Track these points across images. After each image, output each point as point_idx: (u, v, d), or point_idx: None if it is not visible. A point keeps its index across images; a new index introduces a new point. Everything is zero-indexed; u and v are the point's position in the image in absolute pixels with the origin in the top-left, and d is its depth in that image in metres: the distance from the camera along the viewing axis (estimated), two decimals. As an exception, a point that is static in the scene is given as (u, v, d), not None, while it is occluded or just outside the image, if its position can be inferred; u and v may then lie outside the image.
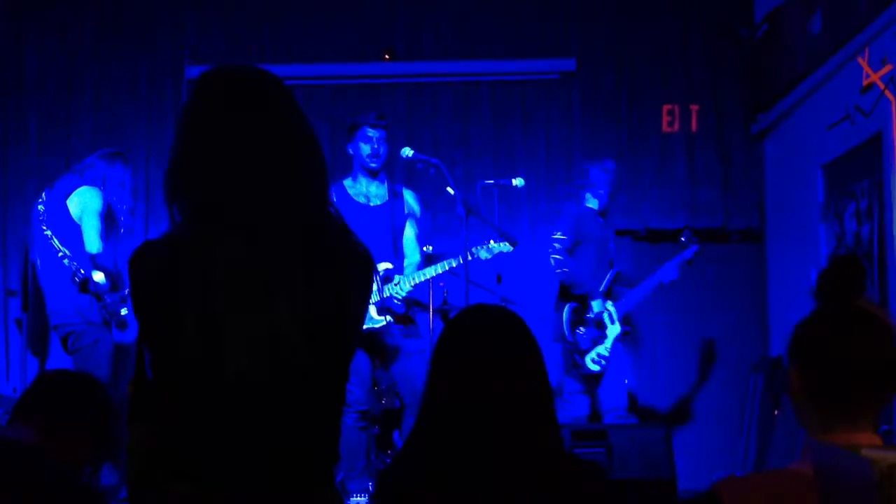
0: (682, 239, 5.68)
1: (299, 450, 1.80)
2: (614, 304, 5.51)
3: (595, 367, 5.47)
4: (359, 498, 4.72)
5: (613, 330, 5.49)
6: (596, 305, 5.48)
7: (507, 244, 4.94)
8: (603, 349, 5.46)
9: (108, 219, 5.15)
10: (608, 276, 5.59)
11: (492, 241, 4.95)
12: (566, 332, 5.47)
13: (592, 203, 5.70)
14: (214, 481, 1.76)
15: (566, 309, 5.49)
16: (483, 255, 4.96)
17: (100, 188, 5.15)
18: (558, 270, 5.48)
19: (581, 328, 5.48)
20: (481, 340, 2.07)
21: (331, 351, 1.82)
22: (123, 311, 5.03)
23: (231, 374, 1.73)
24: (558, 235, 5.51)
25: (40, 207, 5.16)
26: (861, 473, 1.60)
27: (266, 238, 1.79)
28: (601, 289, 5.52)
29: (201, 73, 1.93)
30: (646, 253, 6.78)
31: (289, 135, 1.87)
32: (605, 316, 5.49)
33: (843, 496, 1.66)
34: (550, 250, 5.50)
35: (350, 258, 1.87)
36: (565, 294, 5.54)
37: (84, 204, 5.08)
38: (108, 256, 5.07)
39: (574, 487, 2.01)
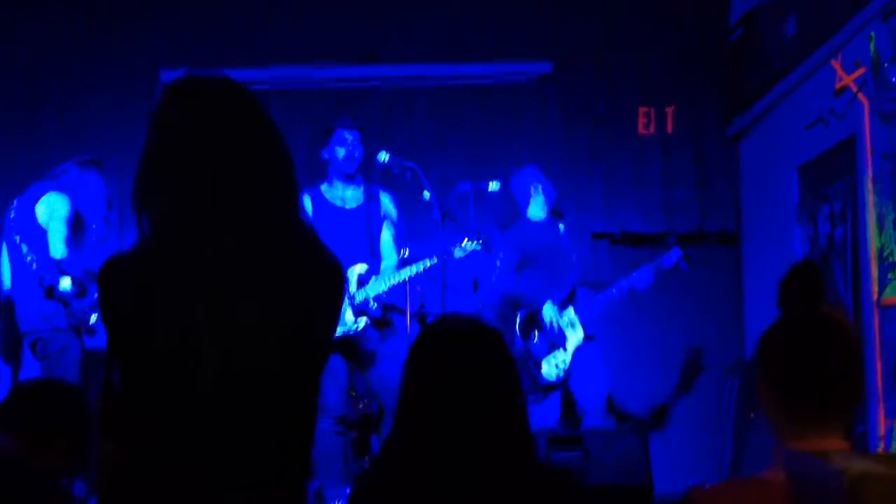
0: (669, 242, 5.61)
1: (271, 459, 1.78)
2: (579, 309, 5.45)
3: (551, 376, 5.40)
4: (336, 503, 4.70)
5: (575, 336, 5.42)
6: (547, 313, 5.41)
7: (479, 243, 4.93)
8: (563, 356, 5.39)
9: (77, 225, 5.11)
10: (569, 282, 5.51)
11: (465, 240, 4.95)
12: (517, 340, 5.43)
13: (536, 213, 5.63)
14: (185, 489, 1.74)
15: (518, 316, 5.46)
16: (457, 253, 4.96)
17: (69, 194, 5.11)
18: (501, 290, 5.46)
19: (533, 336, 5.42)
20: (454, 349, 2.07)
21: (302, 360, 1.81)
22: (92, 319, 4.99)
23: (203, 384, 1.72)
24: (498, 263, 5.48)
25: (11, 214, 5.13)
26: (832, 482, 1.61)
27: (236, 248, 1.78)
28: (561, 297, 5.46)
29: (168, 83, 1.92)
30: (623, 256, 6.78)
31: (257, 144, 1.86)
32: (566, 322, 5.41)
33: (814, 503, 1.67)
34: (493, 277, 5.47)
35: (320, 268, 1.87)
36: (513, 307, 5.51)
37: (51, 209, 5.05)
38: (77, 263, 5.03)
39: (548, 494, 2.00)
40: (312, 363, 1.85)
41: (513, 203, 5.68)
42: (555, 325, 5.37)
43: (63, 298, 4.93)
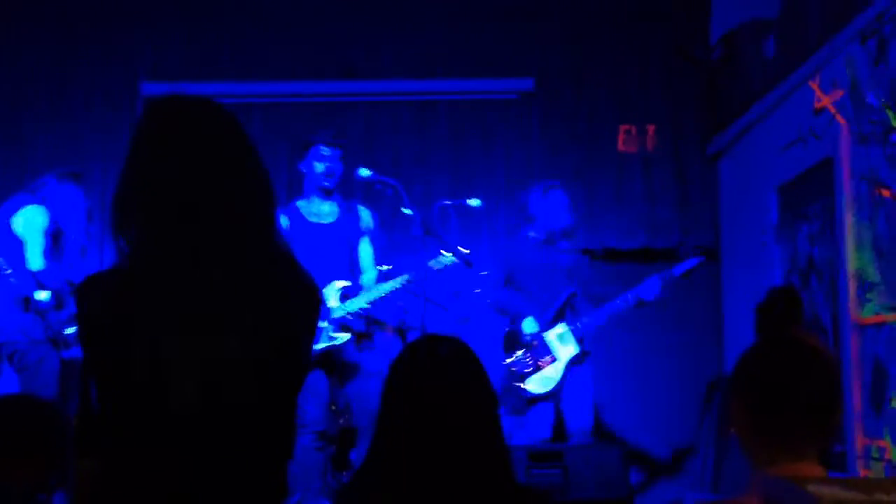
0: (683, 252, 5.55)
1: (246, 482, 1.79)
2: (573, 325, 5.41)
3: (537, 390, 5.33)
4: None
5: (566, 350, 5.37)
6: (528, 327, 5.38)
7: (455, 257, 4.92)
8: (550, 371, 5.32)
9: (55, 237, 5.10)
10: (561, 297, 5.48)
11: (442, 252, 4.95)
12: (503, 353, 5.40)
13: (535, 233, 5.61)
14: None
15: (503, 333, 5.45)
16: (436, 266, 4.95)
17: (48, 207, 5.10)
18: (488, 301, 5.45)
19: (516, 352, 5.38)
20: (431, 370, 2.08)
21: (278, 386, 1.82)
22: (69, 330, 4.98)
23: (176, 408, 1.73)
24: (483, 273, 5.47)
25: None
26: (805, 509, 1.62)
27: (213, 272, 1.79)
28: (550, 312, 5.45)
29: (149, 103, 1.92)
30: (603, 272, 6.80)
31: (237, 169, 1.87)
32: (553, 338, 5.37)
33: (788, 532, 1.68)
34: (477, 289, 5.47)
35: (297, 291, 1.87)
36: (504, 316, 5.50)
37: (28, 221, 5.04)
38: (54, 275, 5.02)
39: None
40: (288, 387, 1.86)
41: (523, 217, 5.66)
42: (538, 341, 5.35)
43: (40, 310, 4.93)
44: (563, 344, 5.36)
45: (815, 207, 5.45)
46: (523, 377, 5.31)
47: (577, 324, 5.38)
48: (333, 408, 5.57)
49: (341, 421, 5.66)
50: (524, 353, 5.32)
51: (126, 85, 6.91)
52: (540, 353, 5.32)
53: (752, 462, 1.90)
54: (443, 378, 2.07)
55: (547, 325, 5.36)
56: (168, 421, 1.73)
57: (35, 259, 4.96)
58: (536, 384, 5.33)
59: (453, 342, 2.17)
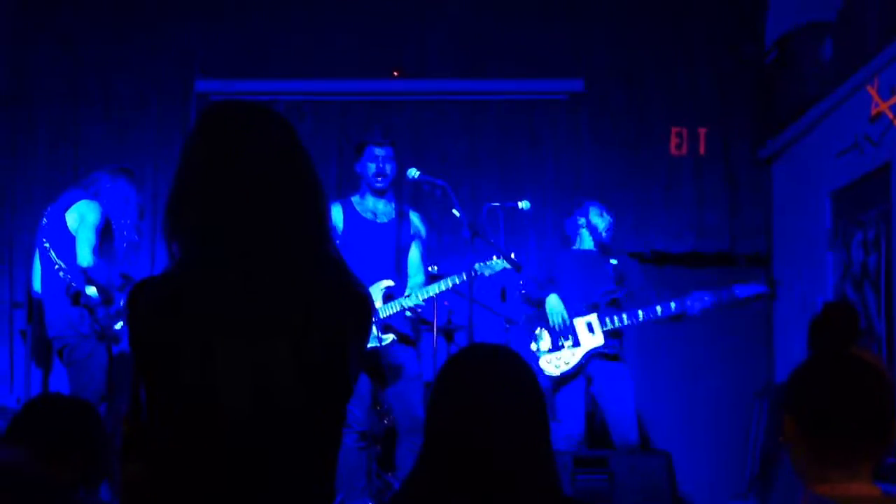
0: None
1: (292, 493, 1.78)
2: (603, 317, 5.28)
3: (549, 371, 5.27)
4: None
5: (590, 341, 5.27)
6: (552, 306, 5.31)
7: (505, 261, 4.89)
8: (568, 356, 5.25)
9: (105, 233, 5.15)
10: (599, 291, 5.38)
11: (494, 258, 4.92)
12: (524, 332, 5.36)
13: (586, 244, 5.57)
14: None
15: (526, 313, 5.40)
16: (486, 271, 4.93)
17: (100, 202, 5.15)
18: (522, 292, 5.42)
19: (540, 332, 5.32)
20: (481, 382, 2.06)
21: (327, 393, 1.81)
22: (118, 326, 5.03)
23: (226, 415, 1.73)
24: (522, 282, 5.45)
25: (43, 220, 5.18)
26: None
27: (265, 279, 1.78)
28: (587, 301, 5.34)
29: (205, 108, 1.92)
30: (650, 276, 6.74)
31: (291, 175, 1.86)
32: (583, 325, 5.26)
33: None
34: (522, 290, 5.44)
35: (348, 299, 1.86)
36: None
37: (80, 217, 5.08)
38: (104, 271, 5.06)
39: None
40: (338, 395, 1.85)
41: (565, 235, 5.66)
42: (559, 320, 5.31)
43: (89, 305, 4.98)
44: (589, 333, 5.28)
45: (871, 214, 5.36)
46: (540, 355, 5.27)
47: (609, 318, 5.29)
48: (377, 408, 5.58)
49: (385, 422, 5.67)
50: (546, 331, 5.28)
51: (180, 82, 6.98)
52: (563, 333, 5.27)
53: (805, 480, 1.87)
54: (492, 389, 2.04)
55: (580, 312, 5.32)
56: (217, 425, 1.73)
57: (85, 254, 5.00)
58: (549, 365, 5.27)
59: (503, 351, 2.14)
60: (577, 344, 5.28)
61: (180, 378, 1.74)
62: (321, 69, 6.98)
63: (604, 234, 5.53)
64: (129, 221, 5.33)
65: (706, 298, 5.16)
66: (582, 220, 5.58)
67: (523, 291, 5.44)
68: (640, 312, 5.25)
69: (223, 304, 1.76)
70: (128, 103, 6.99)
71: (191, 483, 1.75)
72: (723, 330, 6.84)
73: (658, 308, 5.22)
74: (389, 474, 5.51)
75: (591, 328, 5.28)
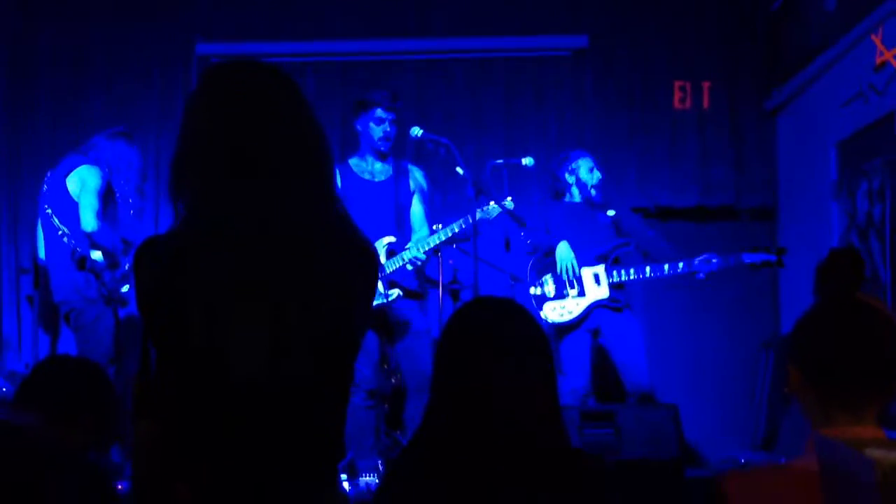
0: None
1: (302, 451, 1.79)
2: (610, 269, 5.27)
3: (551, 318, 5.28)
4: (368, 477, 4.74)
5: (596, 292, 5.27)
6: (562, 254, 5.28)
7: (497, 207, 4.87)
8: (572, 304, 5.25)
9: (107, 197, 5.15)
10: (609, 245, 5.38)
11: (491, 203, 4.91)
12: (528, 277, 5.36)
13: (576, 198, 5.55)
14: (217, 481, 1.76)
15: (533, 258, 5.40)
16: (485, 216, 4.91)
17: (101, 167, 5.14)
18: (528, 241, 5.40)
19: (546, 278, 5.32)
20: (487, 331, 2.06)
21: (335, 350, 1.81)
22: (124, 289, 5.05)
23: (235, 374, 1.73)
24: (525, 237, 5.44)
25: (44, 187, 5.18)
26: (864, 473, 1.59)
27: (268, 235, 1.78)
28: (595, 252, 5.34)
29: (207, 68, 1.91)
30: (656, 231, 6.73)
31: (296, 133, 1.86)
32: (589, 276, 5.26)
33: (848, 494, 1.65)
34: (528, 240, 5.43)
35: (353, 256, 1.86)
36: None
37: (82, 182, 5.08)
38: (108, 235, 5.07)
39: (579, 481, 2.01)
40: (346, 350, 1.85)
41: (556, 184, 5.63)
42: (569, 269, 5.28)
43: (95, 270, 4.99)
44: (595, 284, 5.27)
45: (876, 163, 5.34)
46: (544, 301, 5.26)
47: (616, 272, 5.28)
48: (385, 367, 5.60)
49: (393, 380, 5.69)
50: (552, 278, 5.28)
51: (181, 45, 6.95)
52: (570, 282, 5.27)
53: (811, 423, 1.88)
54: (498, 342, 2.05)
55: (587, 263, 5.32)
56: (224, 383, 1.74)
57: (89, 219, 5.01)
58: (553, 312, 5.27)
59: (509, 304, 2.15)
60: (581, 294, 5.28)
61: (188, 336, 1.74)
62: (323, 30, 6.94)
63: (592, 192, 5.51)
64: (130, 184, 5.33)
65: (714, 262, 5.20)
66: (571, 178, 5.57)
67: (529, 241, 5.42)
68: (647, 268, 5.26)
69: (229, 263, 1.75)
70: (130, 68, 6.96)
71: (201, 442, 1.76)
72: (729, 282, 6.83)
73: (666, 266, 5.24)
74: (398, 432, 5.54)
75: (597, 279, 5.27)
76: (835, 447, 1.74)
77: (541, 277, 5.34)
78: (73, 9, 6.96)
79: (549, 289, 5.31)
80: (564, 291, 5.28)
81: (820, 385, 1.84)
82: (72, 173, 5.10)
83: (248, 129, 1.82)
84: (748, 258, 5.25)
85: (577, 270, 5.28)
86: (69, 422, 2.57)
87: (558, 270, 5.29)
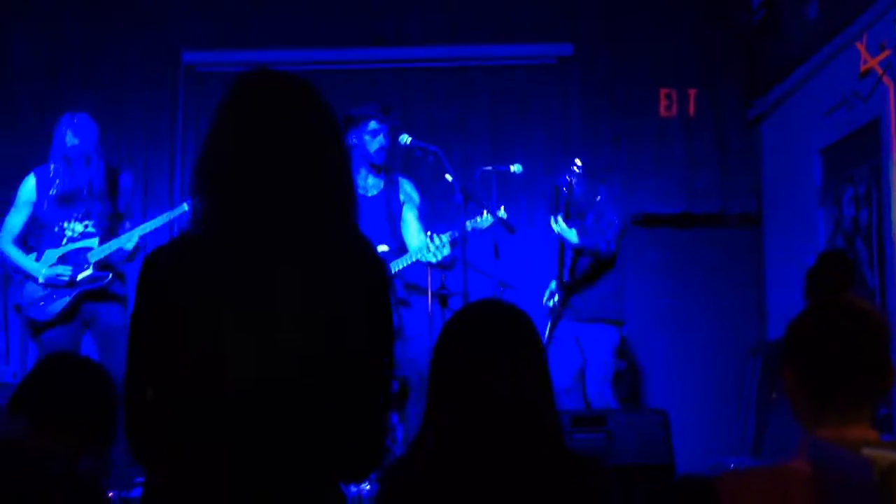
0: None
1: (296, 463, 1.77)
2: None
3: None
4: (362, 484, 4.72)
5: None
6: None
7: (490, 217, 4.90)
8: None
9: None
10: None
11: (484, 212, 4.93)
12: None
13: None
14: (214, 489, 1.75)
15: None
16: (476, 227, 4.93)
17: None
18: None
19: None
20: (486, 336, 2.07)
21: (336, 363, 1.78)
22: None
23: (230, 385, 1.72)
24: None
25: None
26: (861, 472, 1.61)
27: (280, 247, 1.78)
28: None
29: (239, 76, 1.91)
30: (641, 238, 6.76)
31: (320, 146, 1.86)
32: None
33: (843, 495, 1.67)
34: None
35: (364, 269, 1.86)
36: None
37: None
38: None
39: (578, 483, 2.02)
40: (353, 363, 1.80)
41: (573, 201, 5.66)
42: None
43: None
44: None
45: (861, 170, 5.38)
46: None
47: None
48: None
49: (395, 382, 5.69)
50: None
51: (167, 54, 6.94)
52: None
53: (803, 425, 1.89)
54: (496, 344, 2.06)
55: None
56: (220, 394, 1.72)
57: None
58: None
59: (506, 305, 2.16)
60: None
61: (188, 346, 1.73)
62: (305, 38, 6.95)
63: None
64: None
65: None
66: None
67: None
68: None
69: (233, 267, 1.75)
70: (116, 76, 6.95)
71: (195, 449, 1.75)
72: (715, 288, 6.88)
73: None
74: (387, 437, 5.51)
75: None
76: (829, 448, 1.76)
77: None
78: (48, 15, 6.94)
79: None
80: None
81: (814, 385, 1.86)
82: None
83: (271, 137, 1.83)
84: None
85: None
86: (67, 423, 2.51)
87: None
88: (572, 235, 5.36)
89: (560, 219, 5.44)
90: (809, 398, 1.88)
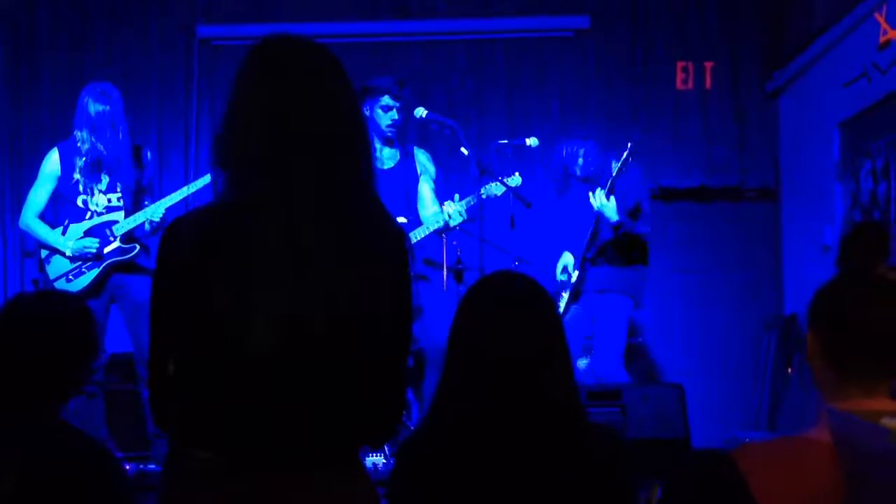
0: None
1: (317, 431, 1.78)
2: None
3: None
4: (375, 457, 4.75)
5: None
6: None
7: (501, 185, 4.91)
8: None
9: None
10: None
11: (494, 182, 4.94)
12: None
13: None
14: (237, 457, 1.76)
15: None
16: (486, 193, 4.94)
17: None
18: None
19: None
20: (506, 305, 2.08)
21: (357, 333, 1.78)
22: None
23: (253, 352, 1.72)
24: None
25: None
26: (878, 443, 1.60)
27: (304, 219, 1.77)
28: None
29: (258, 44, 1.88)
30: (659, 212, 6.74)
31: (340, 115, 1.85)
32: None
33: (863, 465, 1.66)
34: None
35: (385, 241, 1.86)
36: None
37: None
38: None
39: (592, 452, 2.03)
40: (368, 337, 1.80)
41: (565, 168, 5.63)
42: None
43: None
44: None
45: (879, 143, 5.34)
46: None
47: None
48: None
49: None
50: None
51: (183, 28, 6.94)
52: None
53: (824, 396, 1.88)
54: (515, 313, 2.06)
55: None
56: (243, 360, 1.72)
57: None
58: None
59: (526, 279, 2.16)
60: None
61: (213, 315, 1.73)
62: (324, 11, 6.92)
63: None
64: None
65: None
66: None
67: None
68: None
69: (259, 241, 1.74)
70: (131, 51, 6.95)
71: (218, 417, 1.75)
72: (732, 262, 6.87)
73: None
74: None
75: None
76: (849, 419, 1.75)
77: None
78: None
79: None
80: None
81: (835, 357, 1.84)
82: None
83: (293, 104, 1.81)
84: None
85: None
86: (45, 358, 2.37)
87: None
88: (612, 212, 5.25)
89: (601, 192, 5.29)
90: (833, 367, 1.85)
